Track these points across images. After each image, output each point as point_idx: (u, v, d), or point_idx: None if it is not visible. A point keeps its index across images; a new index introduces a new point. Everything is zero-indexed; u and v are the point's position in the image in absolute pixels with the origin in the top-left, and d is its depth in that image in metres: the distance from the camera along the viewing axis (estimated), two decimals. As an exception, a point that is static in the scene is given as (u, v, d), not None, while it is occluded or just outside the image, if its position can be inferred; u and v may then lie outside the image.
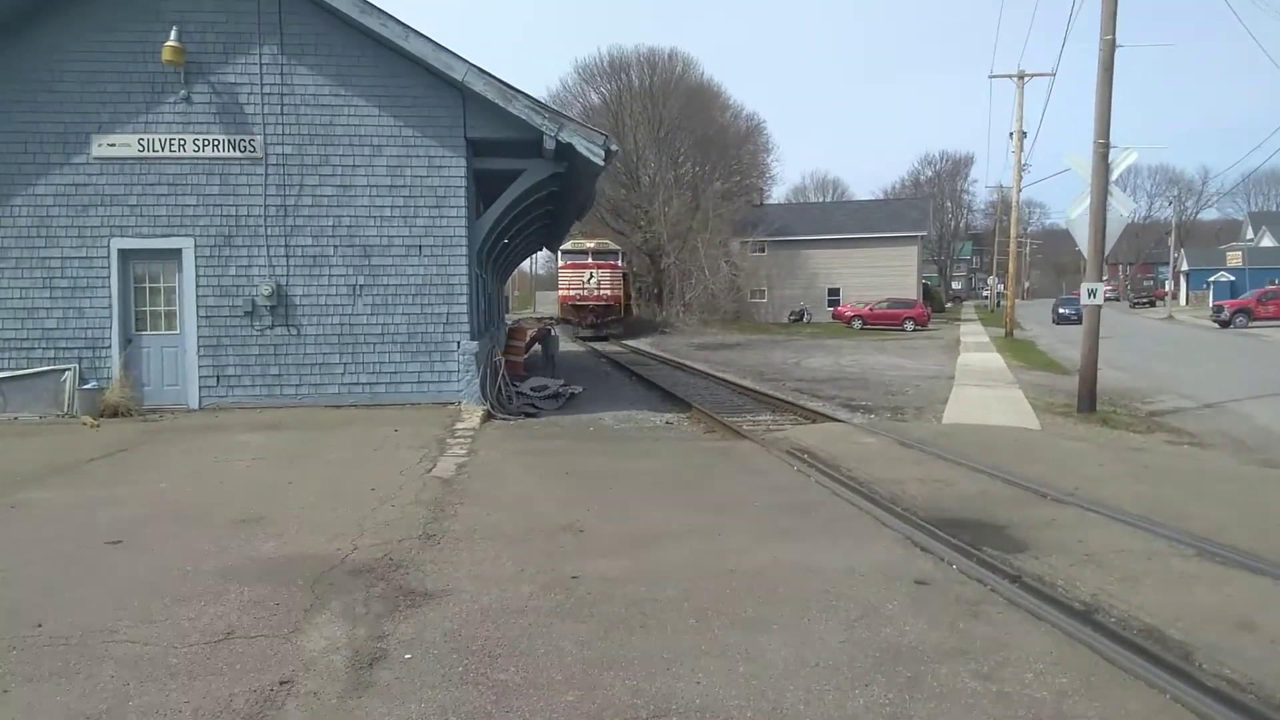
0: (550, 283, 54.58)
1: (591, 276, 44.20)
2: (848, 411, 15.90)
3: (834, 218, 63.37)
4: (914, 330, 46.29)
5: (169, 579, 5.79)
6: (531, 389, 17.26)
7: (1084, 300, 15.51)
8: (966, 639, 4.70)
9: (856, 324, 48.63)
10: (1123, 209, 16.44)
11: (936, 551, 6.30)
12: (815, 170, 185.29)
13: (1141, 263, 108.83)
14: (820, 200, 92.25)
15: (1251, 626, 4.82)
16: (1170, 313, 63.57)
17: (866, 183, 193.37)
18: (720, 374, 23.39)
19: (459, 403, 13.99)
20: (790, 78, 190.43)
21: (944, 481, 8.80)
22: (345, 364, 14.02)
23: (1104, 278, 16.28)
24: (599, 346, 37.82)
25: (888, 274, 55.28)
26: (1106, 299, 16.05)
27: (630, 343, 40.16)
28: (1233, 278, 68.29)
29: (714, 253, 52.20)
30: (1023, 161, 42.37)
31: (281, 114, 13.81)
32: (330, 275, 13.99)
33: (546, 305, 66.15)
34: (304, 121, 13.84)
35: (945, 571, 5.90)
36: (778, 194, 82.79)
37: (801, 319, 55.88)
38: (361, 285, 14.02)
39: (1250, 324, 45.22)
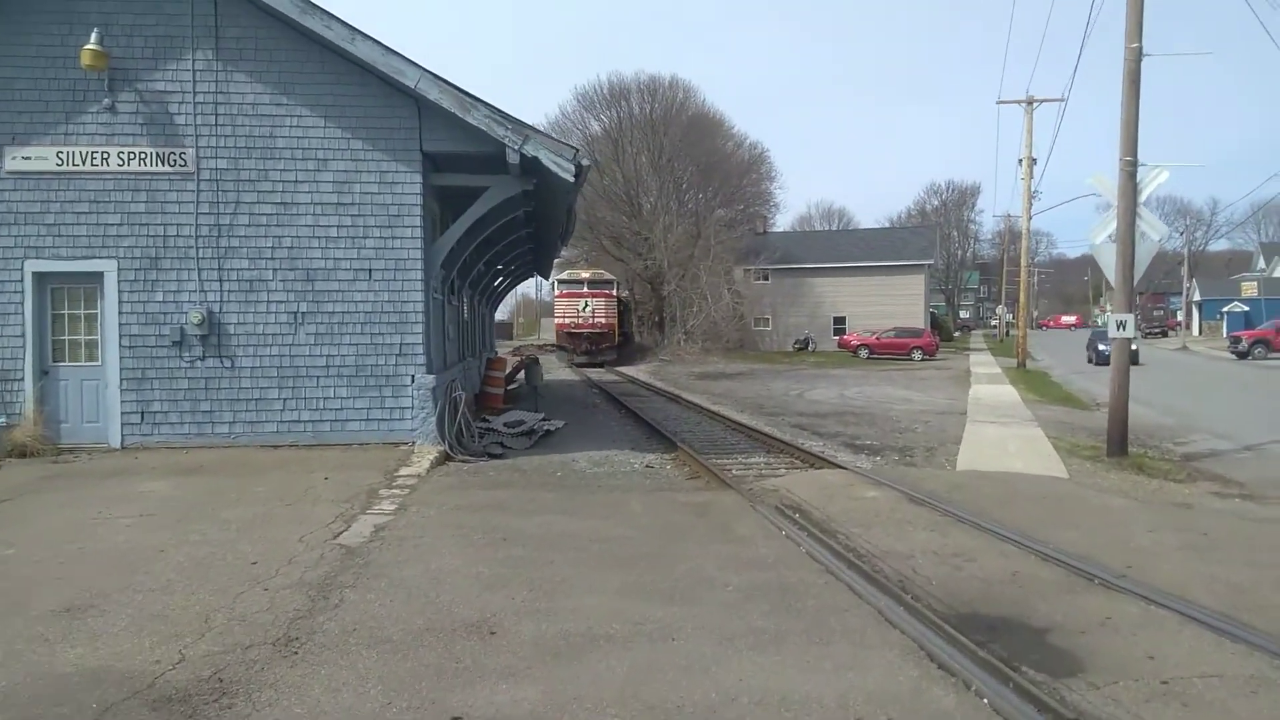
0: (556, 310, 53.44)
1: (586, 305, 43.49)
2: (850, 453, 14.29)
3: (839, 246, 61.87)
4: (922, 360, 44.59)
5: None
6: (505, 424, 15.69)
7: (1112, 332, 13.99)
8: None
9: (863, 353, 46.92)
10: (1154, 233, 14.85)
11: (959, 671, 4.68)
12: (820, 200, 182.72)
13: (1152, 293, 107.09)
14: (826, 229, 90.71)
15: None
16: (1184, 343, 61.72)
17: (872, 212, 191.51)
18: (716, 407, 21.75)
19: (413, 443, 12.46)
20: (795, 107, 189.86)
21: (964, 555, 7.17)
22: (285, 399, 12.49)
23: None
24: (593, 375, 36.44)
25: (894, 302, 53.62)
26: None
27: (627, 370, 38.70)
28: (1247, 308, 66.51)
29: (716, 280, 50.68)
30: (1032, 189, 40.88)
31: (216, 125, 12.37)
32: (269, 301, 12.48)
33: (552, 333, 64.90)
34: (241, 133, 12.39)
35: (972, 707, 4.28)
36: (782, 222, 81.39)
37: (806, 347, 54.29)
38: (304, 313, 12.50)
39: (1269, 355, 43.44)
